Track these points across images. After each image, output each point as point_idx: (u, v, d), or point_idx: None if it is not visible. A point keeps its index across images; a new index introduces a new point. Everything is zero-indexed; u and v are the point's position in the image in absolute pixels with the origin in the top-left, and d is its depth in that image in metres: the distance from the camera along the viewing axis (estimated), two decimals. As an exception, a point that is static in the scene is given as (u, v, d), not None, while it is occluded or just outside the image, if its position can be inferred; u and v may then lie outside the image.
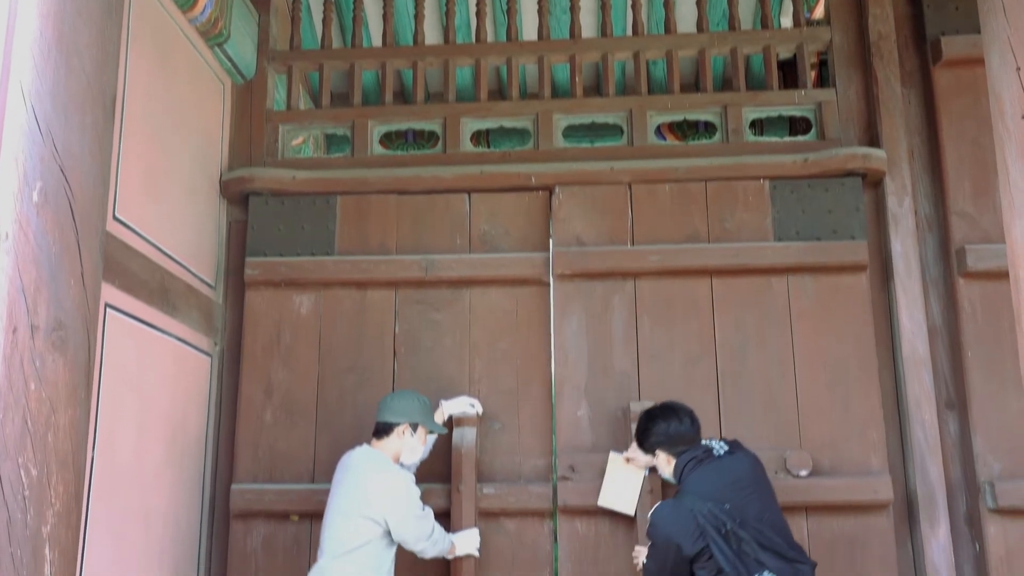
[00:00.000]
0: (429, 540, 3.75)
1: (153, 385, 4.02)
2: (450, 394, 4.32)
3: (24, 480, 2.97)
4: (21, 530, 2.94)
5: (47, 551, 3.00)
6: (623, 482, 4.06)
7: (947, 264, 4.36)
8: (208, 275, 4.57)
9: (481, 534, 4.14)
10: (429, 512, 3.79)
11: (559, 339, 4.38)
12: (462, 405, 4.23)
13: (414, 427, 3.84)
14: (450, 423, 4.23)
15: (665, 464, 3.71)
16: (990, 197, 4.27)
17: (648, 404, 4.01)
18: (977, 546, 4.10)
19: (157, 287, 4.03)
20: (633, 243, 4.45)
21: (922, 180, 4.51)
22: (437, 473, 4.21)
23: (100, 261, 3.35)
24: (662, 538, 3.43)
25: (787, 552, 3.35)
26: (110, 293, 3.64)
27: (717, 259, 4.38)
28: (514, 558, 4.21)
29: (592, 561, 4.15)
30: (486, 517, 4.23)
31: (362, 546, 3.63)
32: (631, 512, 4.04)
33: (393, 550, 3.75)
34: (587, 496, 4.14)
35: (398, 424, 3.82)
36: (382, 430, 3.84)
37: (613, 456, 4.10)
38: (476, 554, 4.02)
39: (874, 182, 4.51)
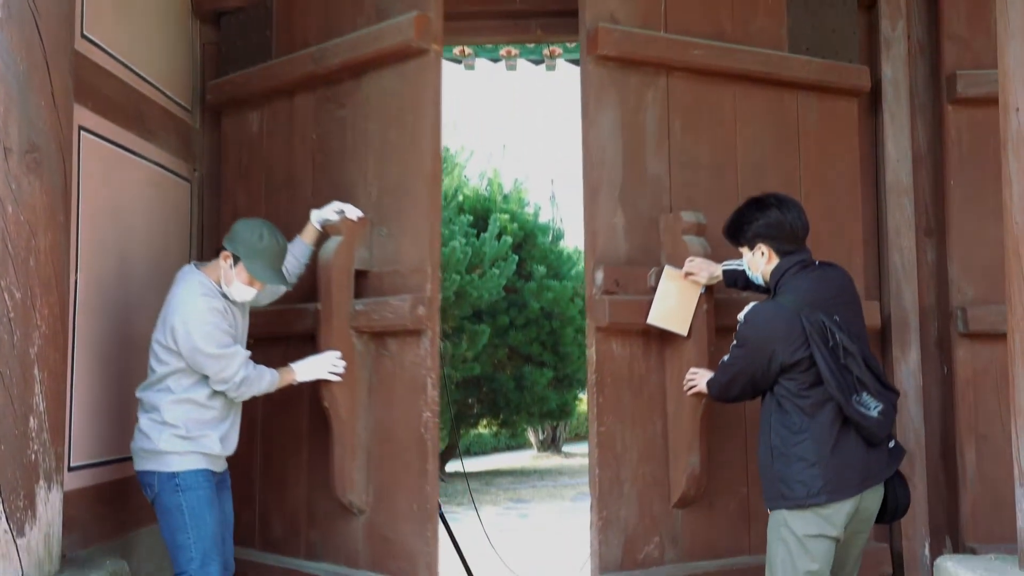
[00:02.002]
0: (230, 384, 3.36)
1: (133, 211, 3.99)
2: (349, 200, 3.83)
3: (8, 303, 2.98)
4: (9, 351, 2.98)
5: (36, 371, 3.04)
6: (678, 299, 3.64)
7: (937, 90, 4.29)
8: (184, 99, 4.46)
9: (366, 355, 3.77)
10: (236, 352, 3.37)
11: (593, 134, 3.79)
12: (326, 213, 3.75)
13: (235, 260, 3.40)
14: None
15: (763, 263, 3.21)
16: (985, 20, 4.16)
17: (697, 214, 3.74)
18: (945, 369, 4.23)
19: (132, 110, 3.94)
20: (666, 30, 3.94)
21: (917, 1, 4.38)
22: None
23: (70, 81, 3.25)
24: (758, 340, 3.07)
25: (882, 377, 3.10)
26: (83, 116, 3.55)
27: (744, 63, 4.03)
28: (395, 381, 3.76)
29: (627, 384, 3.75)
30: (374, 338, 3.80)
31: (171, 375, 3.35)
32: (684, 332, 3.64)
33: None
34: (632, 314, 3.69)
35: (224, 248, 3.42)
36: (219, 248, 3.46)
37: (668, 271, 3.66)
38: (330, 378, 3.61)
39: (868, 4, 4.38)
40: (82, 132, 3.57)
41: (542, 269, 13.22)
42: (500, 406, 13.47)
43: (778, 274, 3.16)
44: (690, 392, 3.59)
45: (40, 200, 3.09)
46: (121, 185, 3.89)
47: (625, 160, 3.84)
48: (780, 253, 3.17)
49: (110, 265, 3.80)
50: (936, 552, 4.03)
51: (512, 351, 13.30)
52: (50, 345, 3.07)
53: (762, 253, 3.20)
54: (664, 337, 3.74)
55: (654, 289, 3.68)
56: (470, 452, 19.89)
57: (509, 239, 12.21)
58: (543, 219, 14.03)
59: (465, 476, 11.95)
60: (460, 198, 12.50)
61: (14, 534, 2.98)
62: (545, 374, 13.21)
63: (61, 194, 3.21)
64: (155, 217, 4.16)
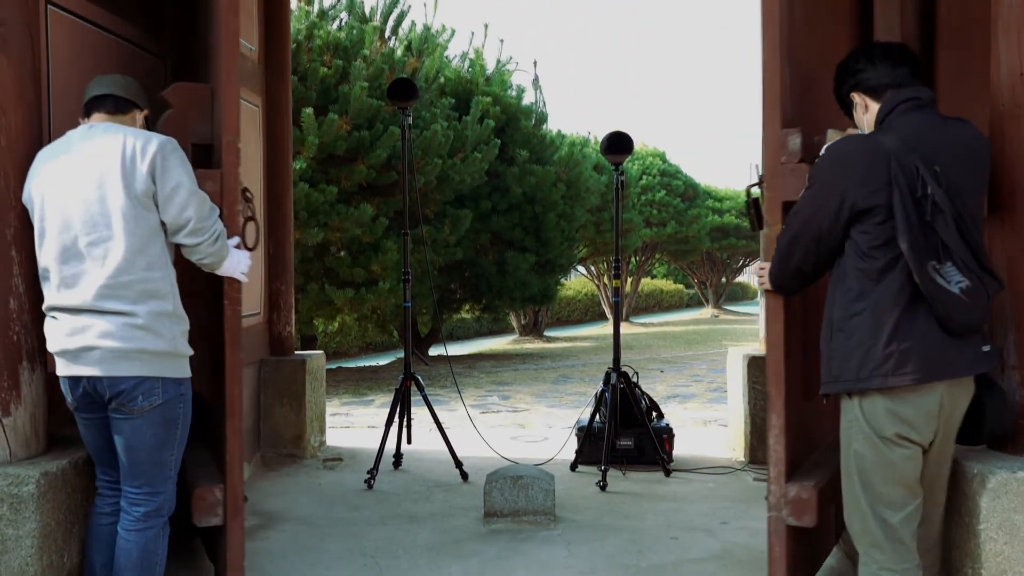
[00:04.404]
0: (208, 235, 2.95)
1: (105, 89, 3.88)
2: (208, 72, 3.57)
3: (-20, 182, 2.94)
4: (-16, 232, 2.95)
5: (13, 253, 3.02)
6: None
7: (929, -34, 4.19)
8: (153, -28, 4.31)
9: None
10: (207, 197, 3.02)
11: None
12: None
13: (148, 122, 3.14)
14: None
15: (862, 112, 2.78)
16: None
17: None
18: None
19: (99, -16, 3.80)
20: None
21: None
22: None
23: (33, -50, 3.13)
24: (830, 176, 2.60)
25: (980, 253, 2.54)
26: (49, -11, 3.43)
27: None
28: None
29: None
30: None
31: (155, 238, 2.88)
32: None
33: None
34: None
35: (139, 109, 3.09)
36: (117, 108, 3.02)
37: (831, 134, 3.19)
38: (242, 278, 3.18)
39: None
40: (49, 6, 3.45)
41: (525, 153, 13.10)
42: (482, 291, 13.55)
43: (882, 113, 2.68)
44: (763, 288, 3.09)
45: (8, 76, 3.01)
46: (92, 61, 3.77)
47: (792, 6, 3.32)
48: (875, 92, 2.73)
49: (84, 145, 3.72)
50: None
51: (494, 236, 13.30)
52: (27, 226, 3.03)
53: (858, 103, 2.78)
54: None
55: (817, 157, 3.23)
56: (453, 337, 20.12)
57: (491, 122, 12.06)
58: (526, 102, 13.83)
59: (448, 360, 12.12)
60: (441, 80, 12.27)
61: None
62: (527, 259, 13.26)
63: (30, 70, 3.13)
64: (129, 96, 4.06)
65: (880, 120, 2.68)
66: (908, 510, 2.63)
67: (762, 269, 3.04)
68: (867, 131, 2.76)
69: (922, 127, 2.59)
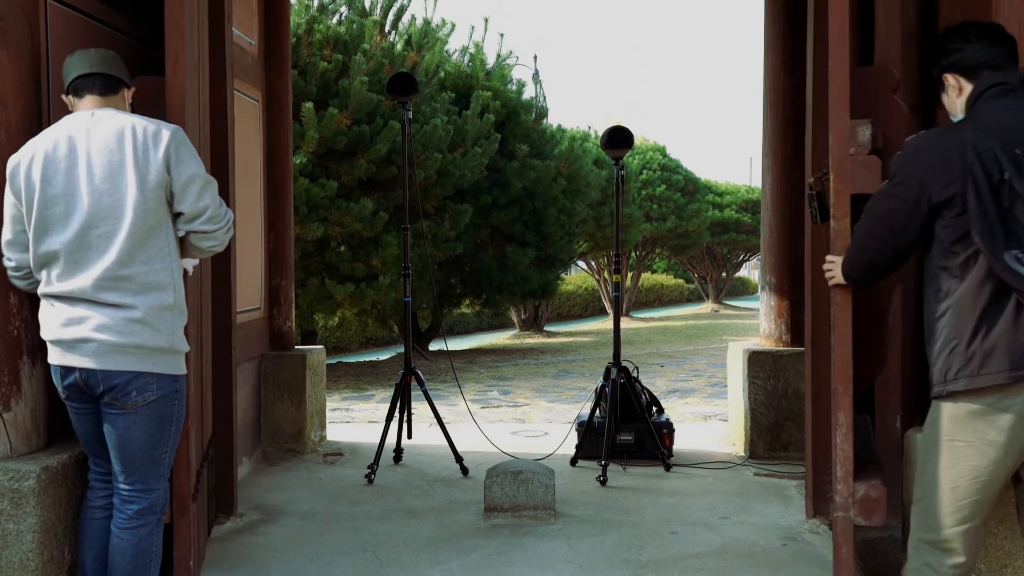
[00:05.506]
0: (224, 223, 2.95)
1: (106, 84, 3.88)
2: None
3: (-19, 178, 2.94)
4: (-16, 227, 2.94)
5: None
6: None
7: (930, -38, 4.17)
8: (153, -34, 4.29)
9: None
10: None
11: None
12: None
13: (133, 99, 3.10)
14: None
15: (955, 96, 2.62)
16: None
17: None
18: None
19: (99, -22, 3.79)
20: None
21: None
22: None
23: (33, -55, 3.12)
24: (908, 169, 2.50)
25: None
26: (49, -17, 3.42)
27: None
28: None
29: None
30: None
31: (160, 230, 2.84)
32: None
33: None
34: None
35: (127, 87, 3.02)
36: (107, 87, 2.93)
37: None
38: (189, 269, 3.17)
39: None
40: (49, 1, 3.44)
41: (525, 148, 13.09)
42: (483, 286, 13.54)
43: (970, 101, 2.56)
44: (831, 283, 3.00)
45: (9, 72, 3.01)
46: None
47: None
48: (971, 72, 2.58)
49: (84, 140, 3.71)
50: (907, 424, 4.13)
51: (495, 231, 13.29)
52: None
53: (951, 86, 2.63)
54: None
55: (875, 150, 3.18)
56: (453, 332, 20.12)
57: (492, 117, 12.04)
58: (526, 96, 13.82)
59: (448, 355, 12.11)
60: (441, 74, 12.25)
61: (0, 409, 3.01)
62: (527, 254, 13.25)
63: (30, 65, 3.13)
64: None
65: (969, 106, 2.57)
66: (966, 526, 2.48)
67: (830, 262, 2.96)
68: (958, 114, 2.64)
69: (1006, 111, 2.47)
